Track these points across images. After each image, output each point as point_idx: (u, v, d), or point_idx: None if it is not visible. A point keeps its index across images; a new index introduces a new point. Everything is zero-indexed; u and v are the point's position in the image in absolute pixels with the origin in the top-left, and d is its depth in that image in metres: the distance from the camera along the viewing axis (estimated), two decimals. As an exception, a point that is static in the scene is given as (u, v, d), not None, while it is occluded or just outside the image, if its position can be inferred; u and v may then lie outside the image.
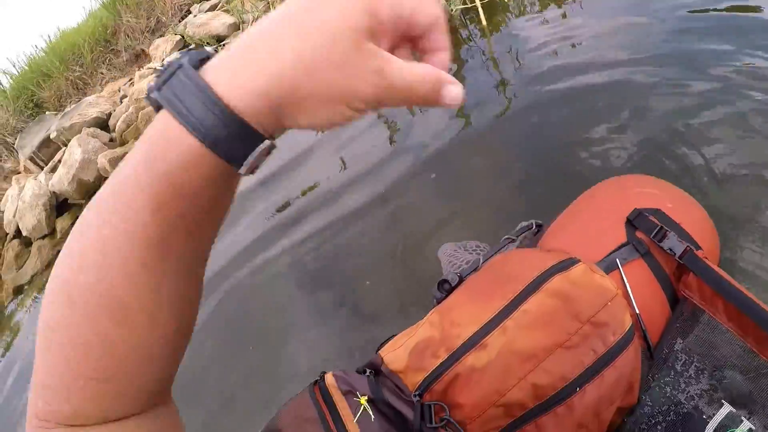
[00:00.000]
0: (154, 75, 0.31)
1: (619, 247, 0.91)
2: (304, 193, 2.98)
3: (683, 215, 0.94)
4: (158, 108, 0.32)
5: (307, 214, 2.78)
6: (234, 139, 0.31)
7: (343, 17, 0.30)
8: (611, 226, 0.95)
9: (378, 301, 2.01)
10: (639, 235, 0.92)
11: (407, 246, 2.17)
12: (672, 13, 2.53)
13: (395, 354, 0.80)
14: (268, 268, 2.61)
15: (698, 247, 0.89)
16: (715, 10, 2.38)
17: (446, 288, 0.92)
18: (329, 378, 0.77)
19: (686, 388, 0.81)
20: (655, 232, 0.89)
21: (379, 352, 0.84)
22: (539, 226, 1.11)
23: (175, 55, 0.41)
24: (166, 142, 0.32)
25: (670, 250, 0.87)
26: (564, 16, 3.06)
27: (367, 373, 0.80)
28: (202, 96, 0.30)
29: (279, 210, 2.98)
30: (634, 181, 1.11)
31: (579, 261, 0.82)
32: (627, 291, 0.86)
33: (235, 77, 0.30)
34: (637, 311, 0.85)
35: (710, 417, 0.77)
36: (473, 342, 0.75)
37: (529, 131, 2.36)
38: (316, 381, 0.79)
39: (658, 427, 0.80)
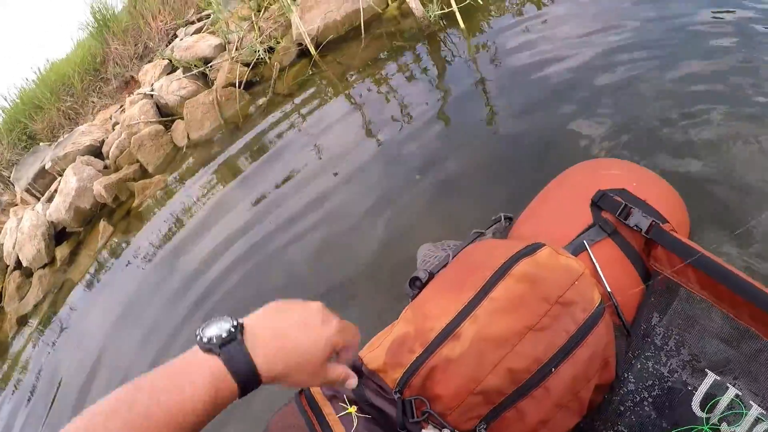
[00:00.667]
0: (210, 325, 0.57)
1: (586, 229, 0.93)
2: (289, 194, 3.03)
3: (648, 192, 0.97)
4: (207, 349, 0.54)
5: (296, 216, 2.84)
6: (252, 389, 0.56)
7: (322, 349, 0.60)
8: (577, 209, 0.97)
9: (364, 302, 2.06)
10: (605, 215, 0.93)
11: (395, 243, 2.22)
12: (649, 11, 2.59)
13: (374, 354, 0.82)
14: (258, 266, 2.67)
15: (665, 221, 0.91)
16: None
17: (418, 285, 0.93)
18: None
19: (668, 361, 0.82)
20: (619, 210, 0.91)
21: (359, 353, 0.85)
22: (509, 219, 1.13)
23: (224, 326, 0.50)
24: (224, 385, 0.53)
25: (636, 226, 0.89)
26: (541, 16, 3.11)
27: None
28: (249, 367, 0.54)
29: (267, 210, 3.08)
30: (599, 165, 1.13)
31: (544, 245, 0.83)
32: (597, 270, 0.88)
33: (265, 364, 0.55)
34: (609, 289, 0.86)
35: (695, 388, 0.78)
36: (446, 333, 0.77)
37: (511, 128, 2.40)
38: (301, 389, 0.80)
39: (644, 402, 0.81)
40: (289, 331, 0.58)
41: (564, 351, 0.76)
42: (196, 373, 0.52)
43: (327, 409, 0.76)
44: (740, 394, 0.75)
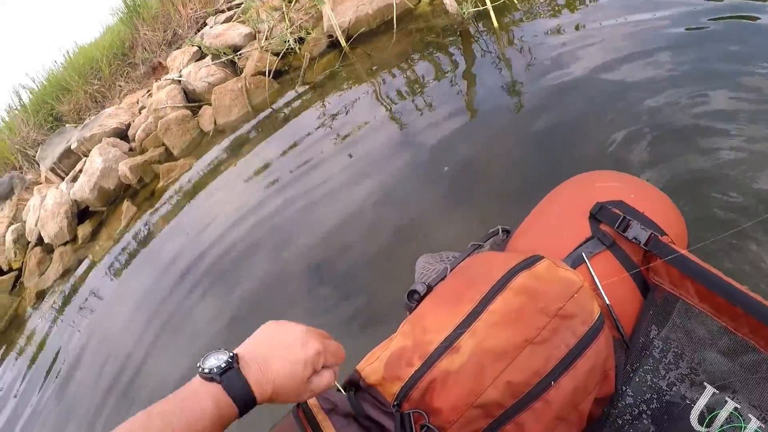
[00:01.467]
0: (211, 358, 0.65)
1: (585, 242, 0.92)
2: (316, 187, 3.04)
3: (646, 204, 0.96)
4: (209, 378, 0.62)
5: (317, 203, 2.87)
6: (249, 409, 0.64)
7: (302, 371, 0.67)
8: (575, 222, 0.96)
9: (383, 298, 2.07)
10: (603, 227, 0.92)
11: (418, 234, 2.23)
12: (685, 15, 2.57)
13: (372, 367, 0.82)
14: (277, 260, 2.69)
15: (663, 233, 0.90)
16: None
17: (416, 298, 0.93)
18: (311, 399, 0.79)
19: (666, 374, 0.81)
20: (618, 222, 0.90)
21: (357, 367, 0.85)
22: (506, 231, 1.13)
23: (222, 358, 0.59)
24: (226, 407, 0.61)
25: (635, 238, 0.88)
26: (575, 18, 3.10)
27: (347, 390, 0.82)
28: (245, 391, 0.62)
29: (288, 197, 3.12)
30: (596, 177, 1.12)
31: (543, 257, 0.83)
32: (596, 283, 0.87)
33: (257, 387, 0.63)
34: (608, 302, 0.85)
35: (694, 401, 0.77)
36: (445, 346, 0.76)
37: (538, 130, 2.40)
38: (299, 403, 0.80)
39: (643, 416, 0.80)
40: (273, 356, 0.67)
41: (564, 364, 0.75)
42: (203, 399, 0.60)
43: (325, 423, 0.76)
44: (739, 407, 0.74)
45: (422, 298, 0.92)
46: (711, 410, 0.75)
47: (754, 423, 0.72)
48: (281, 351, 0.68)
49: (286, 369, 0.66)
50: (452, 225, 2.21)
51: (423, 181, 2.56)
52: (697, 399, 0.77)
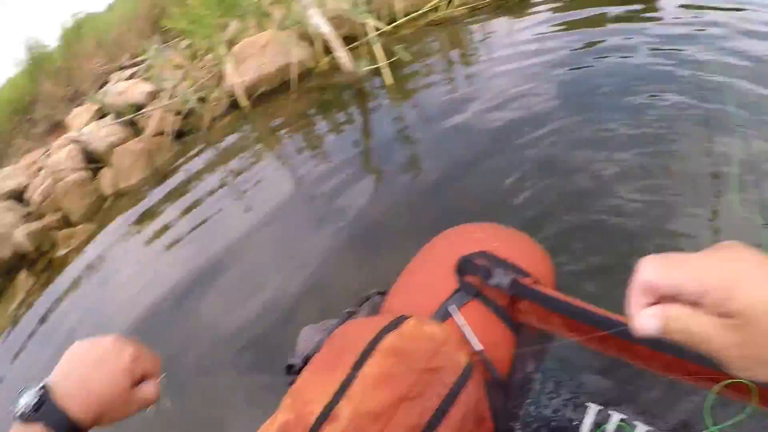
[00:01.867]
0: (23, 394, 0.60)
1: (453, 294, 0.98)
2: (217, 248, 3.02)
3: (510, 250, 1.03)
4: (26, 420, 0.57)
5: (215, 266, 2.84)
6: None
7: (122, 380, 0.63)
8: (444, 277, 1.02)
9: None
10: (469, 278, 0.98)
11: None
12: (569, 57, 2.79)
13: None
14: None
15: (526, 275, 0.96)
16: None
17: (294, 371, 0.96)
18: None
19: (550, 403, 0.86)
20: (482, 272, 0.96)
21: None
22: (381, 294, 1.17)
23: (32, 393, 0.58)
24: None
25: (498, 285, 0.94)
26: (465, 69, 3.27)
27: None
28: (67, 422, 0.58)
29: (189, 262, 3.06)
30: (462, 231, 1.19)
31: (409, 317, 0.87)
32: (465, 333, 0.91)
33: (81, 413, 0.59)
34: (480, 348, 0.90)
35: (580, 421, 0.82)
36: (324, 415, 0.78)
37: (430, 179, 2.50)
38: None
39: None
40: (88, 374, 0.62)
41: (438, 416, 0.78)
42: None
43: None
44: (626, 417, 0.79)
45: (300, 370, 0.93)
46: (599, 425, 0.80)
47: (641, 428, 0.77)
48: (97, 365, 0.64)
49: (106, 382, 0.63)
50: (349, 276, 2.24)
51: (320, 234, 2.59)
52: (582, 418, 0.81)
